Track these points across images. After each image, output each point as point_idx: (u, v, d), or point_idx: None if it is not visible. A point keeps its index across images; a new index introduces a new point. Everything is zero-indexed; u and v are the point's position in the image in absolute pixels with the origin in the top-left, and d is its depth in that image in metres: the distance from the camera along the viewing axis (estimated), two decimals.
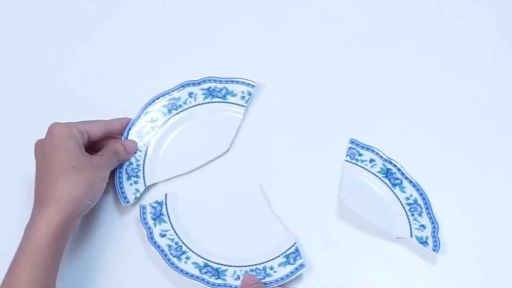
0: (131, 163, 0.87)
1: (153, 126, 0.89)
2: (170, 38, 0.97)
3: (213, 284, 0.79)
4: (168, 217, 0.84)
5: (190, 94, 0.90)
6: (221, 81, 0.90)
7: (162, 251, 0.81)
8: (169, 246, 0.81)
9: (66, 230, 0.75)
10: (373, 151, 0.88)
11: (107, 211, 0.85)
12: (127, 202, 0.84)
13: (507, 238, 0.83)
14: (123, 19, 0.99)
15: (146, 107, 0.89)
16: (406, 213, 0.84)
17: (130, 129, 0.88)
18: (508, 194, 0.86)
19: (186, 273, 0.80)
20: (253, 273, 0.80)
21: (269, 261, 0.81)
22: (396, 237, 0.83)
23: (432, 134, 0.89)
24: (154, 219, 0.83)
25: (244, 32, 0.97)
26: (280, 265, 0.81)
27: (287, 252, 0.82)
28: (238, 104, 0.89)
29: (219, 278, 0.80)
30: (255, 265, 0.81)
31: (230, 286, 0.79)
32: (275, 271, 0.80)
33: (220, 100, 0.90)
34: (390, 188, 0.85)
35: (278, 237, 0.83)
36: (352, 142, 0.88)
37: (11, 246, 0.74)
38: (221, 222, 0.85)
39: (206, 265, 0.81)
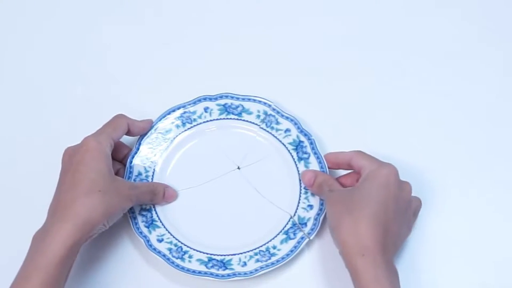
0: (140, 174, 0.85)
1: (165, 139, 0.87)
2: (179, 44, 0.97)
3: (222, 276, 0.80)
4: (161, 221, 0.83)
5: (206, 109, 0.89)
6: (237, 98, 0.89)
7: (164, 255, 0.80)
8: (170, 249, 0.81)
9: (78, 250, 0.74)
10: (291, 120, 0.87)
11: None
12: (132, 212, 0.83)
13: (508, 239, 0.83)
14: (125, 20, 0.98)
15: (160, 118, 0.88)
16: (300, 190, 0.84)
17: (142, 139, 0.87)
18: (509, 195, 0.86)
19: (193, 271, 0.80)
20: (258, 256, 0.81)
21: (270, 240, 0.82)
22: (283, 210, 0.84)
23: (433, 133, 0.89)
24: (148, 227, 0.83)
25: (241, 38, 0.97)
26: (282, 242, 0.82)
27: (285, 228, 0.83)
28: (253, 123, 0.88)
29: (226, 268, 0.80)
30: (258, 248, 0.82)
31: (239, 273, 0.80)
32: (278, 250, 0.81)
33: (235, 117, 0.89)
34: (295, 162, 0.86)
35: (272, 216, 0.84)
36: (273, 109, 0.88)
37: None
38: (213, 214, 0.85)
39: (210, 259, 0.81)
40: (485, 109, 0.91)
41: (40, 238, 0.73)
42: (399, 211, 0.76)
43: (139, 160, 0.86)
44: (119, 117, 0.84)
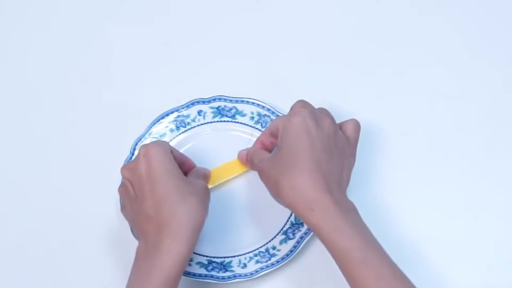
0: None
1: None
2: (178, 48, 0.96)
3: (223, 278, 0.80)
4: None
5: (199, 112, 0.88)
6: (231, 101, 0.89)
7: None
8: None
9: (188, 261, 0.73)
10: None
11: (108, 227, 0.84)
12: None
13: (508, 239, 0.83)
14: (128, 23, 0.98)
15: (154, 123, 0.88)
16: None
17: (136, 144, 0.87)
18: (509, 194, 0.86)
19: (194, 275, 0.79)
20: (258, 257, 0.81)
21: (270, 241, 0.82)
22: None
23: (433, 133, 0.89)
24: None
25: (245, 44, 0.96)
26: (281, 242, 0.82)
27: (284, 228, 0.83)
28: (247, 124, 0.88)
29: (226, 271, 0.80)
30: (258, 249, 0.81)
31: (239, 275, 0.80)
32: (278, 250, 0.81)
33: (229, 119, 0.89)
34: None
35: (271, 216, 0.83)
36: (268, 109, 0.88)
37: None
38: (212, 217, 0.82)
39: (210, 262, 0.81)
40: (486, 109, 0.91)
41: (151, 255, 0.71)
42: (328, 148, 0.75)
43: None
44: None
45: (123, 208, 0.79)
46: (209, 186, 0.83)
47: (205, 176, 0.83)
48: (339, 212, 0.71)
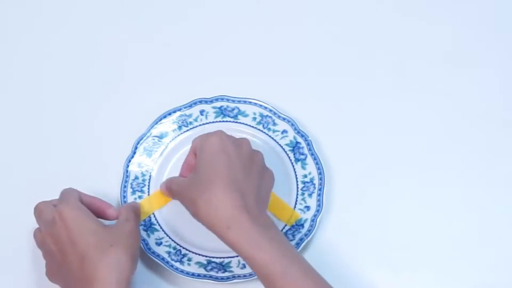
0: (137, 178, 0.85)
1: (161, 143, 0.87)
2: (180, 51, 0.96)
3: (222, 278, 0.80)
4: (159, 225, 0.83)
5: (202, 112, 0.88)
6: (233, 101, 0.89)
7: (163, 259, 0.80)
8: (168, 252, 0.81)
9: None
10: (288, 121, 0.87)
11: None
12: None
13: (507, 238, 0.84)
14: (129, 23, 0.97)
15: (156, 122, 0.88)
16: (297, 191, 0.84)
17: (138, 143, 0.87)
18: (509, 193, 0.86)
19: (193, 274, 0.80)
20: None
21: None
22: None
23: (432, 133, 0.89)
24: (146, 230, 0.83)
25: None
26: None
27: (284, 230, 0.83)
28: (249, 125, 0.88)
29: (225, 271, 0.80)
30: None
31: (238, 276, 0.80)
32: None
33: (231, 119, 0.89)
34: (292, 163, 0.85)
35: (270, 217, 0.82)
36: (270, 110, 0.88)
37: None
38: None
39: (209, 262, 0.81)
40: (485, 111, 0.90)
41: None
42: (246, 167, 0.75)
43: (136, 165, 0.86)
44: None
45: (49, 273, 0.77)
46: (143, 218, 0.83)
47: (135, 212, 0.81)
48: (256, 228, 0.70)
